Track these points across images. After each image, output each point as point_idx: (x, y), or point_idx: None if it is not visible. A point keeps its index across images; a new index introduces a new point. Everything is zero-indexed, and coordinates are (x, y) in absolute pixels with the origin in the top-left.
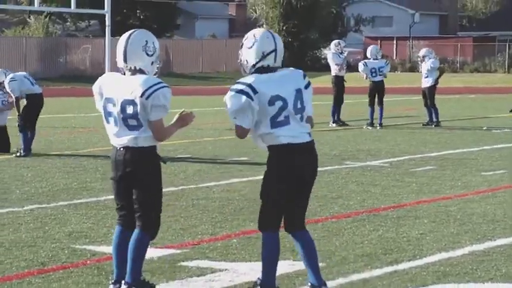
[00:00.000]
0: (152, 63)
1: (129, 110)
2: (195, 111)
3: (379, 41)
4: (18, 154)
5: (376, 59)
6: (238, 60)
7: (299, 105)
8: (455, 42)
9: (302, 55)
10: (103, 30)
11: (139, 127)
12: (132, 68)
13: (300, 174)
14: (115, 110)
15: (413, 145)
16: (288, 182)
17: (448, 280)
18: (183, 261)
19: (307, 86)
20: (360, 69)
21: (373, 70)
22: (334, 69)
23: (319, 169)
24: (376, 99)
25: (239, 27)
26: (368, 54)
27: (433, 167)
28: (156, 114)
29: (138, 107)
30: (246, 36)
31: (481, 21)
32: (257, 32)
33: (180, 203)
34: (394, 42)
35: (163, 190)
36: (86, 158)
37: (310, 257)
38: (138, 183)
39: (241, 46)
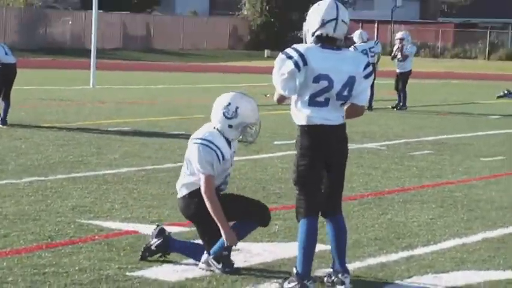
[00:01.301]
0: (230, 126)
1: None
2: (181, 88)
3: (360, 24)
4: None
5: (365, 42)
6: (303, 31)
7: (345, 93)
8: (437, 27)
9: (283, 35)
10: (83, 3)
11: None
12: (215, 127)
13: (333, 155)
14: None
15: (406, 129)
16: (322, 164)
17: (467, 267)
18: (194, 239)
19: (367, 76)
20: None
21: (364, 52)
22: None
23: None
24: None
25: (220, 5)
26: (355, 39)
27: (430, 151)
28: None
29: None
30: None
31: (461, 7)
32: (322, 1)
33: None
34: (376, 25)
35: (160, 166)
36: (77, 132)
37: (341, 243)
38: None
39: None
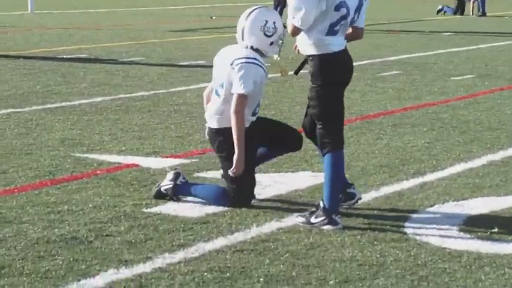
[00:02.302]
0: (271, 43)
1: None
2: (122, 11)
3: None
4: None
5: None
6: None
7: (356, 18)
8: None
9: None
10: None
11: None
12: (249, 46)
13: (348, 79)
14: None
15: (366, 49)
16: (343, 90)
17: (485, 193)
18: (198, 171)
19: None
20: None
21: None
22: None
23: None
24: None
25: None
26: None
27: (399, 71)
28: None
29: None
30: None
31: None
32: None
33: (160, 108)
34: None
35: (135, 94)
36: (36, 60)
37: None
38: None
39: None
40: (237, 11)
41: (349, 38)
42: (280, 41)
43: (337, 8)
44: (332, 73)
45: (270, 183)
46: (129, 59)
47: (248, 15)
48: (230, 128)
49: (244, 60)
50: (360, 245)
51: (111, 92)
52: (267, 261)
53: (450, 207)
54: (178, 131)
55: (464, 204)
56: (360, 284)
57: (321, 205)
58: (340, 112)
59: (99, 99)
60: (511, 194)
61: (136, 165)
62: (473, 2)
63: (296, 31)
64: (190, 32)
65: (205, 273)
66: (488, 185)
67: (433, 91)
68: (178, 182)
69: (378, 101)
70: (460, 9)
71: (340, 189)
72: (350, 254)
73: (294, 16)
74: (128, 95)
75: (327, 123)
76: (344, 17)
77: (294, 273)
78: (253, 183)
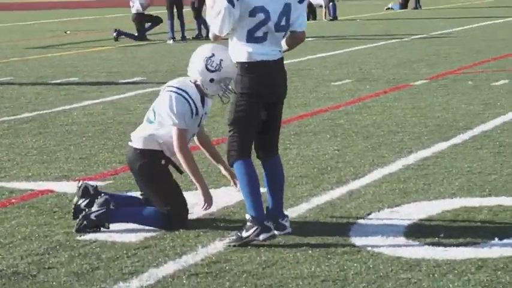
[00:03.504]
0: (211, 80)
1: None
2: None
3: None
4: None
5: None
6: None
7: (283, 22)
8: None
9: None
10: None
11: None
12: (192, 80)
13: (273, 93)
14: None
15: None
16: (261, 103)
17: (414, 198)
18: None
19: (301, 0)
20: None
21: None
22: None
23: None
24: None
25: None
26: None
27: None
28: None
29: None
30: None
31: None
32: None
33: (51, 129)
34: None
35: (18, 117)
36: None
37: (280, 184)
38: None
39: None
40: (87, 25)
41: (289, 44)
42: (223, 85)
43: (252, 14)
44: (248, 84)
45: (196, 201)
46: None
47: (201, 47)
48: (155, 151)
49: (173, 89)
50: (314, 260)
51: None
52: (227, 283)
53: (387, 214)
54: (80, 153)
55: (399, 211)
56: None
57: (247, 217)
58: (251, 124)
59: None
60: (440, 197)
61: (51, 191)
62: (325, 7)
63: (215, 37)
64: (50, 48)
65: None
66: (414, 189)
67: (320, 97)
68: (111, 207)
69: None
70: (311, 14)
71: (260, 194)
72: (308, 270)
73: (212, 22)
74: (11, 118)
75: (235, 132)
76: (263, 23)
77: None
78: (185, 202)
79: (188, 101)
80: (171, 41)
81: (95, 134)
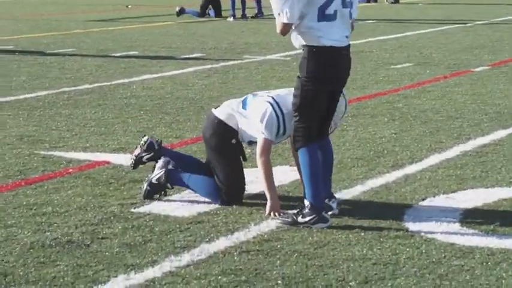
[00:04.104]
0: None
1: None
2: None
3: None
4: None
5: None
6: None
7: (348, 0)
8: None
9: None
10: None
11: None
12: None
13: (338, 80)
14: None
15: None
16: (326, 89)
17: (471, 185)
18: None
19: None
20: None
21: None
22: None
23: (224, 64)
24: None
25: None
26: None
27: None
28: None
29: None
30: None
31: None
32: None
33: (110, 102)
34: None
35: (79, 88)
36: None
37: (330, 166)
38: None
39: None
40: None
41: None
42: None
43: None
44: (315, 69)
45: (251, 178)
46: (59, 51)
47: None
48: (231, 128)
49: (273, 103)
50: (366, 243)
51: (53, 86)
52: (278, 262)
53: (442, 201)
54: (138, 126)
55: (455, 197)
56: (382, 284)
57: (306, 203)
58: (319, 110)
59: (43, 93)
60: (497, 185)
61: (108, 163)
62: None
63: (285, 28)
64: (111, 21)
65: (219, 277)
66: (471, 176)
67: (379, 80)
68: (170, 167)
69: None
70: None
71: (321, 182)
72: (360, 253)
73: (279, 12)
74: (71, 88)
75: (302, 117)
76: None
77: (310, 274)
78: (243, 181)
79: (279, 123)
80: (231, 19)
81: (153, 108)
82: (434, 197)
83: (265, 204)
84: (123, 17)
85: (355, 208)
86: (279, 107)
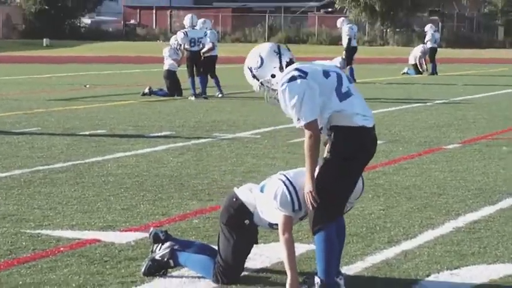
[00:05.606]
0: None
1: None
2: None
3: (138, 10)
4: None
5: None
6: (257, 88)
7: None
8: (216, 12)
9: (60, 23)
10: None
11: None
12: None
13: (367, 161)
14: None
15: (264, 115)
16: (360, 172)
17: (471, 261)
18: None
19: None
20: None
21: (193, 40)
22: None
23: (195, 142)
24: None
25: None
26: (186, 23)
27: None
28: None
29: None
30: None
31: None
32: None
33: (88, 180)
34: (154, 11)
35: (52, 166)
36: None
37: (342, 243)
38: None
39: (252, 75)
40: (107, 79)
41: None
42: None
43: (326, 75)
44: (347, 152)
45: (250, 255)
46: (24, 130)
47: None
48: (246, 208)
49: (286, 181)
50: None
51: (26, 164)
52: None
53: (447, 277)
54: (121, 203)
55: (459, 273)
56: None
57: (317, 280)
58: (349, 190)
59: (17, 171)
60: (498, 261)
61: (98, 241)
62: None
63: (314, 126)
64: (73, 101)
65: None
66: (470, 252)
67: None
68: (176, 247)
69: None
70: None
71: (336, 261)
72: None
73: (298, 117)
74: (45, 167)
75: (329, 198)
76: (339, 77)
77: None
78: (243, 265)
79: (292, 199)
80: (192, 98)
81: (133, 186)
82: (438, 273)
83: (261, 283)
84: (83, 96)
85: (360, 285)
86: (291, 183)
